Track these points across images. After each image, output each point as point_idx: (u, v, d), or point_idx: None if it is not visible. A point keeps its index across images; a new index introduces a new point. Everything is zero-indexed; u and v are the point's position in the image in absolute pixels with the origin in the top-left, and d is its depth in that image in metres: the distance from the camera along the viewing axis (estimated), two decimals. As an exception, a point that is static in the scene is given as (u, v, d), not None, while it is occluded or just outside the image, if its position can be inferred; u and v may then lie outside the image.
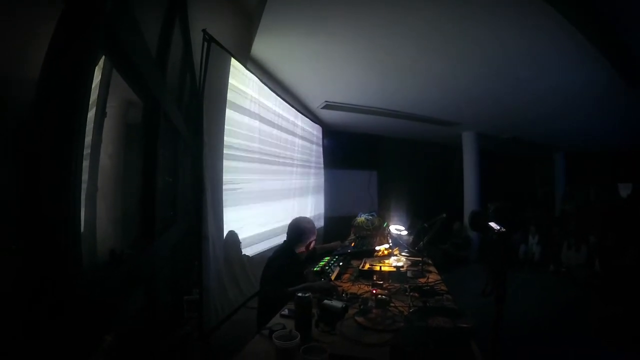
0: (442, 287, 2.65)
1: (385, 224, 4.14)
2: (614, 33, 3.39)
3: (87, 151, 1.50)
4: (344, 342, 1.75)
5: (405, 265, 3.15)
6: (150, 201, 2.38)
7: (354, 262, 3.33)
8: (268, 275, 2.67)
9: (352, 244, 3.74)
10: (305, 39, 3.88)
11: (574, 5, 2.99)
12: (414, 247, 3.72)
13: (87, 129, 1.37)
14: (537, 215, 9.01)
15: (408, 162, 9.79)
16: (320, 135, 7.12)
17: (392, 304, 2.21)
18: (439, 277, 2.95)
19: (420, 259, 3.20)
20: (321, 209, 7.03)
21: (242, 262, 3.52)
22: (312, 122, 6.56)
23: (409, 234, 4.03)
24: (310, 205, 6.16)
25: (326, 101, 6.09)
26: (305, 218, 3.06)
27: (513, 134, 8.40)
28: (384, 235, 3.90)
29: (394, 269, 3.01)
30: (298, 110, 5.55)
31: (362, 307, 2.15)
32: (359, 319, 1.99)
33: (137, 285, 2.25)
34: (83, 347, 1.26)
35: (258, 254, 3.84)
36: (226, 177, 3.23)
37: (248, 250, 3.66)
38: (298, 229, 2.86)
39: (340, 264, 3.13)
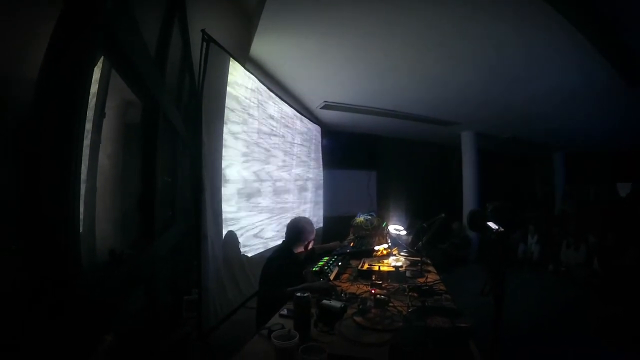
0: (441, 287, 2.65)
1: (384, 224, 4.14)
2: (613, 33, 3.40)
3: (86, 151, 1.50)
4: (343, 342, 1.75)
5: (404, 265, 3.15)
6: (150, 201, 2.39)
7: (353, 262, 3.33)
8: (267, 275, 2.67)
9: (351, 244, 3.74)
10: (304, 40, 3.89)
11: (574, 5, 2.99)
12: (412, 247, 3.72)
13: (86, 129, 1.38)
14: (536, 215, 9.02)
15: (407, 162, 9.80)
16: (319, 136, 7.12)
17: (390, 304, 2.21)
18: (437, 277, 2.96)
19: (419, 258, 3.20)
20: (320, 209, 7.03)
21: (241, 262, 3.52)
22: (311, 122, 6.56)
23: (407, 234, 4.04)
24: (309, 205, 6.16)
25: (325, 101, 6.10)
26: (304, 218, 3.06)
27: (512, 134, 8.41)
28: (383, 235, 3.89)
29: (393, 269, 3.00)
30: (297, 111, 5.55)
31: (360, 307, 2.15)
32: (358, 319, 1.99)
33: (137, 285, 2.25)
34: (83, 347, 1.27)
35: (257, 254, 3.84)
36: (224, 176, 3.23)
37: (246, 250, 3.66)
38: (297, 229, 2.87)
39: (339, 264, 3.12)
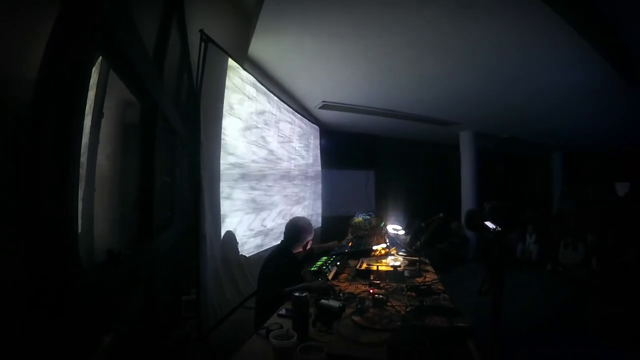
0: (439, 287, 2.66)
1: (382, 224, 4.15)
2: (612, 33, 3.41)
3: (84, 151, 1.51)
4: (341, 342, 1.76)
5: (403, 265, 3.16)
6: (148, 201, 2.39)
7: (352, 262, 3.33)
8: (265, 275, 2.67)
9: (350, 244, 3.75)
10: (303, 39, 3.89)
11: (572, 6, 3.00)
12: (411, 247, 3.73)
13: (84, 129, 1.38)
14: (534, 215, 9.04)
15: (406, 161, 9.81)
16: (318, 135, 7.12)
17: (389, 304, 2.22)
18: (435, 277, 2.96)
19: (417, 258, 3.21)
20: (319, 209, 7.03)
21: (239, 262, 3.52)
22: (310, 122, 6.56)
23: (406, 234, 4.04)
24: (307, 205, 6.16)
25: (323, 101, 6.10)
26: (302, 218, 3.07)
27: (511, 134, 8.42)
28: (382, 235, 3.90)
29: (391, 269, 3.01)
30: (295, 110, 5.55)
31: (359, 306, 2.15)
32: (356, 319, 1.99)
33: (136, 286, 2.25)
34: (83, 347, 1.27)
35: (256, 254, 3.84)
36: (222, 176, 3.23)
37: (244, 249, 3.66)
38: (295, 229, 2.87)
39: (338, 263, 3.13)
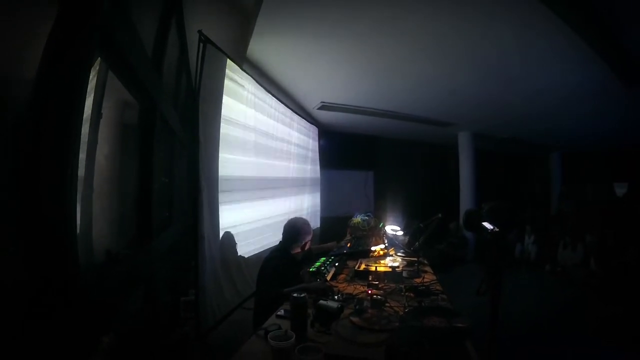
0: (438, 287, 2.66)
1: (381, 225, 4.15)
2: (610, 34, 3.41)
3: (83, 152, 1.50)
4: (340, 342, 1.76)
5: (401, 266, 3.16)
6: (147, 202, 2.39)
7: (350, 263, 3.34)
8: (264, 275, 2.67)
9: (348, 245, 3.75)
10: (301, 40, 3.89)
11: (570, 6, 3.01)
12: (409, 248, 3.73)
13: (83, 129, 1.38)
14: (533, 215, 9.05)
15: (404, 162, 9.82)
16: (317, 136, 7.13)
17: (387, 304, 2.22)
18: (434, 277, 2.97)
19: (416, 259, 3.21)
20: (317, 210, 7.03)
21: (238, 263, 3.52)
22: (308, 123, 6.56)
23: (404, 234, 4.05)
24: (306, 206, 6.16)
25: (322, 102, 6.10)
26: (301, 218, 3.07)
27: (509, 134, 8.43)
28: (380, 236, 3.91)
29: (390, 269, 3.02)
30: (294, 111, 5.55)
31: (357, 307, 2.15)
32: (355, 319, 2.00)
33: (135, 286, 2.25)
34: (82, 347, 1.27)
35: (254, 255, 3.84)
36: (221, 177, 3.23)
37: (243, 250, 3.66)
38: (294, 230, 2.87)
39: (336, 264, 3.13)
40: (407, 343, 1.57)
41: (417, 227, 3.45)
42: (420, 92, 5.59)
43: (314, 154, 6.93)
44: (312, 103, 6.23)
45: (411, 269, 3.08)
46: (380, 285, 2.63)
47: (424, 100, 6.01)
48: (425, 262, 3.37)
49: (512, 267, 7.61)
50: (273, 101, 4.59)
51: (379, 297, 2.25)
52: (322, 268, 2.93)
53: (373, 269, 3.02)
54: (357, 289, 2.62)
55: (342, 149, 8.48)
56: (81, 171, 1.44)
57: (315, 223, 6.65)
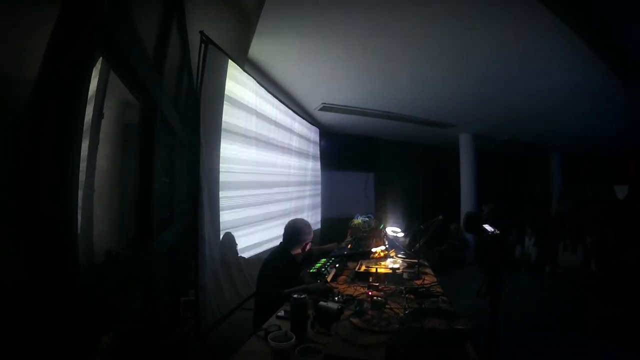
0: (438, 289, 2.66)
1: (381, 226, 4.15)
2: (610, 33, 3.41)
3: (84, 151, 1.50)
4: (340, 343, 1.76)
5: (401, 267, 3.16)
6: (147, 202, 2.39)
7: (350, 264, 3.34)
8: (264, 276, 2.67)
9: (349, 246, 3.75)
10: (303, 41, 3.89)
11: (570, 7, 3.01)
12: (410, 249, 3.73)
13: (84, 129, 1.38)
14: (533, 216, 9.04)
15: (405, 163, 9.82)
16: (317, 137, 7.13)
17: (387, 306, 2.22)
18: (434, 279, 2.97)
19: (416, 260, 3.21)
20: (318, 211, 7.03)
21: (238, 263, 3.52)
22: (309, 124, 6.56)
23: (405, 236, 4.04)
24: (307, 207, 6.16)
25: (323, 103, 6.10)
26: (301, 220, 3.07)
27: (509, 136, 8.43)
28: (381, 237, 3.91)
29: (390, 271, 3.02)
30: (295, 112, 5.55)
31: (357, 308, 2.16)
32: (355, 321, 1.99)
33: (135, 286, 2.25)
34: (82, 347, 1.27)
35: (255, 255, 3.83)
36: (222, 177, 3.23)
37: (244, 250, 3.66)
38: (294, 230, 2.87)
39: (337, 265, 3.13)
40: (407, 345, 1.57)
41: (418, 229, 3.45)
42: (421, 94, 5.59)
43: (315, 155, 6.92)
44: (313, 104, 6.23)
45: (411, 271, 3.08)
46: (380, 287, 2.63)
47: (425, 101, 6.01)
48: (426, 263, 3.37)
49: (512, 268, 7.61)
50: (274, 102, 4.59)
51: (379, 298, 2.25)
52: (323, 269, 2.93)
53: (373, 270, 3.02)
54: (358, 290, 2.62)
55: (343, 150, 8.47)
56: (82, 171, 1.44)
57: (315, 224, 6.64)
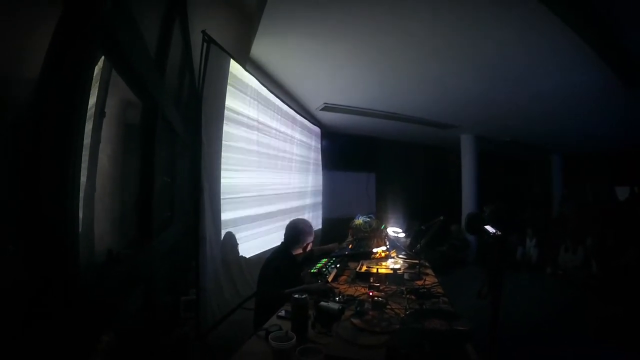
0: (439, 290, 2.66)
1: (383, 226, 4.14)
2: (611, 35, 3.41)
3: (85, 151, 1.50)
4: (340, 344, 1.76)
5: (402, 268, 3.16)
6: (148, 201, 2.38)
7: (351, 264, 3.34)
8: (265, 276, 2.67)
9: (350, 246, 3.75)
10: (305, 41, 3.89)
11: (572, 8, 3.00)
12: (411, 250, 3.73)
13: (85, 129, 1.38)
14: (534, 217, 9.03)
15: (406, 164, 9.82)
16: (319, 137, 7.13)
17: (388, 306, 2.22)
18: (435, 280, 2.97)
19: (417, 261, 3.21)
20: (319, 211, 7.03)
21: (239, 263, 3.52)
22: (311, 124, 6.56)
23: (406, 236, 4.04)
24: (308, 207, 6.16)
25: (325, 103, 6.10)
26: (302, 220, 3.07)
27: (511, 137, 8.42)
28: (382, 238, 3.90)
29: (391, 272, 3.01)
30: (297, 112, 5.56)
31: (358, 309, 2.15)
32: (355, 321, 1.99)
33: (135, 286, 2.24)
34: (82, 347, 1.27)
35: (255, 255, 3.83)
36: (224, 177, 3.23)
37: (245, 250, 3.66)
38: (295, 231, 2.87)
39: (338, 265, 3.13)
40: (407, 345, 1.57)
41: (419, 229, 3.45)
42: (423, 94, 5.59)
43: (316, 155, 6.92)
44: (314, 104, 6.23)
45: (412, 271, 3.08)
46: (381, 287, 2.63)
47: (427, 102, 6.01)
48: (427, 264, 3.37)
49: (513, 269, 7.60)
50: (276, 102, 4.59)
51: (380, 299, 2.25)
52: (324, 269, 2.93)
53: (374, 270, 3.02)
54: (358, 290, 2.62)
55: (345, 150, 8.48)
56: (83, 171, 1.44)
57: (316, 224, 6.64)
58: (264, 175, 4.20)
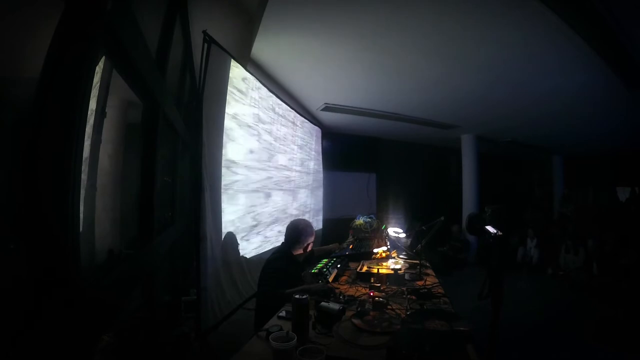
0: (440, 290, 2.66)
1: (383, 227, 4.14)
2: (613, 35, 3.41)
3: (86, 151, 1.50)
4: (341, 344, 1.75)
5: (403, 268, 3.16)
6: (149, 201, 2.39)
7: (352, 265, 3.34)
8: (266, 276, 2.67)
9: (350, 246, 3.74)
10: (306, 41, 3.89)
11: (573, 9, 3.00)
12: (411, 250, 3.73)
13: (86, 129, 1.38)
14: (535, 218, 9.02)
15: (407, 164, 9.81)
16: (320, 137, 7.13)
17: (389, 307, 2.21)
18: (436, 280, 2.96)
19: (418, 261, 3.20)
20: (320, 211, 7.03)
21: (240, 263, 3.52)
22: (312, 124, 6.57)
23: (407, 237, 4.03)
24: (308, 207, 6.16)
25: (326, 103, 6.10)
26: (303, 220, 3.07)
27: (512, 137, 8.42)
28: (382, 238, 3.89)
29: (392, 272, 3.01)
30: (297, 112, 5.56)
31: (359, 309, 2.15)
32: (356, 321, 1.99)
33: (136, 286, 2.25)
34: (82, 346, 1.27)
35: (256, 255, 3.84)
36: (224, 177, 3.23)
37: (245, 251, 3.66)
38: (296, 231, 2.87)
39: (338, 266, 3.13)
40: (408, 346, 1.57)
41: (420, 230, 3.45)
42: (424, 94, 5.59)
43: (317, 155, 6.93)
44: (315, 104, 6.23)
45: (413, 272, 3.07)
46: (382, 288, 2.62)
47: (428, 102, 6.01)
48: (427, 264, 3.37)
49: (514, 270, 7.59)
50: (276, 102, 4.60)
51: (380, 299, 2.24)
52: (324, 270, 2.93)
53: (375, 271, 3.02)
54: (359, 291, 2.61)
55: (345, 150, 8.48)
56: (84, 171, 1.44)
57: (317, 225, 6.64)
58: (264, 173, 4.20)
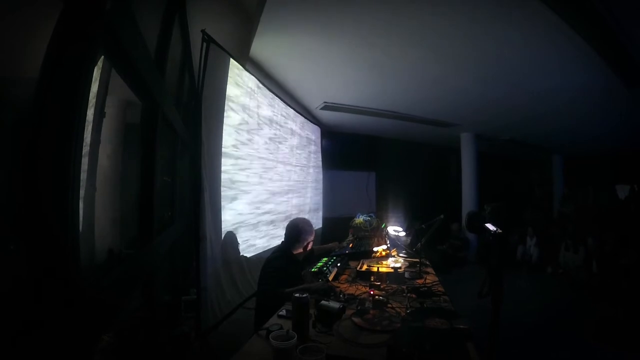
0: (440, 288, 2.66)
1: (383, 225, 4.14)
2: (613, 36, 3.41)
3: (85, 151, 1.50)
4: (341, 343, 1.76)
5: (403, 267, 3.16)
6: (149, 201, 2.38)
7: (352, 263, 3.34)
8: (266, 275, 2.67)
9: (350, 245, 3.74)
10: (304, 40, 3.89)
11: (573, 9, 3.00)
12: (411, 248, 3.73)
13: (85, 129, 1.38)
14: (535, 217, 9.02)
15: (406, 163, 9.80)
16: (319, 136, 7.13)
17: (389, 305, 2.22)
18: (436, 278, 2.97)
19: (417, 260, 3.21)
20: (319, 210, 7.03)
21: (240, 263, 3.52)
22: (311, 123, 6.56)
23: (406, 235, 4.04)
24: (308, 206, 6.16)
25: (325, 102, 6.10)
26: (303, 219, 3.07)
27: (511, 136, 8.42)
28: (382, 237, 3.90)
29: (392, 270, 3.01)
30: (297, 111, 5.56)
31: (359, 307, 2.15)
32: (356, 320, 1.99)
33: (136, 286, 2.25)
34: (82, 346, 1.27)
35: (256, 255, 3.84)
36: (224, 177, 3.23)
37: (245, 250, 3.66)
38: (296, 230, 2.87)
39: (338, 264, 3.13)
40: (408, 344, 1.57)
41: (419, 228, 3.45)
42: (424, 92, 5.59)
43: (316, 154, 6.92)
44: (314, 103, 6.23)
45: (413, 270, 3.07)
46: (382, 286, 2.62)
47: (427, 100, 6.00)
48: (427, 263, 3.37)
49: (513, 269, 7.59)
50: (276, 101, 4.59)
51: (380, 297, 2.25)
52: (324, 268, 2.93)
53: (375, 269, 3.02)
54: (359, 289, 2.62)
55: (345, 149, 8.47)
56: (84, 171, 1.43)
57: (317, 224, 6.64)
58: (264, 173, 4.20)
